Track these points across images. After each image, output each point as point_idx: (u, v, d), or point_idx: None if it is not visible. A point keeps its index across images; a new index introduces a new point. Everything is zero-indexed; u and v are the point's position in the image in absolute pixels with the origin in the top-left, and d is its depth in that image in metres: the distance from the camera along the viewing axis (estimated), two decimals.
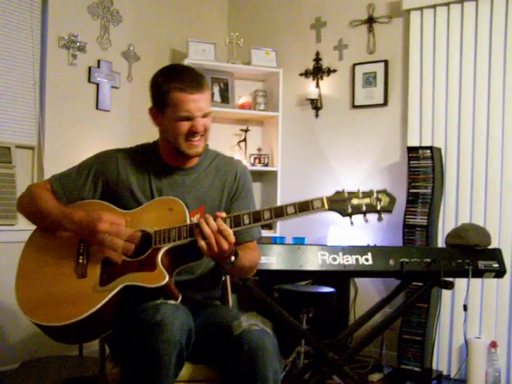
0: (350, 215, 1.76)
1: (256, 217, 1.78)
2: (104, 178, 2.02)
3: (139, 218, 1.92)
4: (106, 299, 1.74)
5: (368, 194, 1.77)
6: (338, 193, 1.78)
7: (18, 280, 1.91)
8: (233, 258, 1.84)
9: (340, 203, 1.76)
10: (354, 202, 1.76)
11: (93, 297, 1.76)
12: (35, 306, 1.82)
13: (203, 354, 1.90)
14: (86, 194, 2.02)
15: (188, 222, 1.84)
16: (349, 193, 1.77)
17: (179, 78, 1.92)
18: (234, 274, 2.07)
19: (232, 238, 1.76)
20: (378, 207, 1.76)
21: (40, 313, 1.80)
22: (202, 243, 1.74)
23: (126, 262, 1.82)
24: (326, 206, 1.76)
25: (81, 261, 1.87)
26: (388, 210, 1.77)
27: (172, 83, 1.92)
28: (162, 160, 2.06)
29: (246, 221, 1.78)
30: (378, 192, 1.78)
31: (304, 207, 1.76)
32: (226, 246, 1.74)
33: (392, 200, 1.78)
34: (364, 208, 1.76)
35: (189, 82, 1.91)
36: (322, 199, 1.76)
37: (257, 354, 1.71)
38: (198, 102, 1.91)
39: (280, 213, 1.77)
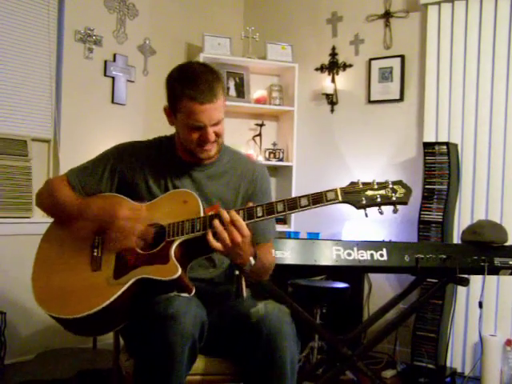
0: (364, 207, 1.72)
1: (269, 209, 1.76)
2: (120, 170, 2.02)
3: (153, 210, 1.91)
4: (120, 292, 1.74)
5: (383, 185, 1.74)
6: (352, 184, 1.75)
7: (34, 272, 1.92)
8: (252, 260, 1.82)
9: (354, 194, 1.72)
10: (369, 193, 1.72)
11: (107, 290, 1.76)
12: (50, 298, 1.83)
13: (220, 347, 1.90)
14: (104, 187, 2.02)
15: (202, 214, 1.82)
16: (363, 184, 1.74)
17: (193, 84, 1.83)
18: (251, 275, 2.00)
19: (245, 231, 1.73)
20: (394, 198, 1.72)
21: (55, 305, 1.81)
22: (213, 240, 1.74)
23: (140, 255, 1.82)
24: (340, 198, 1.72)
25: (95, 254, 1.88)
26: (403, 201, 1.73)
27: (185, 89, 1.83)
28: (178, 155, 2.04)
29: (259, 213, 1.76)
30: (393, 183, 1.74)
31: (318, 199, 1.73)
32: (238, 238, 1.72)
33: (408, 191, 1.74)
34: (379, 199, 1.72)
35: (202, 90, 1.82)
36: (335, 190, 1.73)
37: (275, 339, 1.71)
38: (209, 112, 1.84)
39: (293, 205, 1.75)
